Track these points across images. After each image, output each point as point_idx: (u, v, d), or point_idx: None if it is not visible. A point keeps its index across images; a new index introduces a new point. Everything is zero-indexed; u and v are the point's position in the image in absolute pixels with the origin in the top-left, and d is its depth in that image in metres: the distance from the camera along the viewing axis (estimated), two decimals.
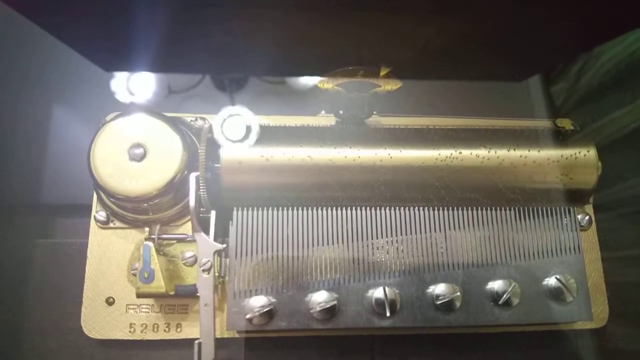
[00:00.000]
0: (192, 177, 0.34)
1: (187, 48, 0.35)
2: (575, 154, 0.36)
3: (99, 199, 0.37)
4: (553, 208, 0.37)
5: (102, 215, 0.36)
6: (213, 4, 0.25)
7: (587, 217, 0.39)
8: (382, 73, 0.37)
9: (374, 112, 0.39)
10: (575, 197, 0.37)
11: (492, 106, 0.46)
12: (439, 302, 0.34)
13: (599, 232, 0.39)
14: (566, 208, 0.37)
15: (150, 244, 0.34)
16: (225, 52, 0.36)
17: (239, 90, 0.46)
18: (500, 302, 0.34)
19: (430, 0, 0.25)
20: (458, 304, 0.34)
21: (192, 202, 0.33)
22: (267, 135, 0.35)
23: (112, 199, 0.35)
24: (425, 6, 0.26)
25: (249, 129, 0.34)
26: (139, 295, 0.33)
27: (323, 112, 0.41)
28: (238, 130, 0.34)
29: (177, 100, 0.44)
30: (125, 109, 0.37)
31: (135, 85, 0.44)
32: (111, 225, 0.36)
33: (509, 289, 0.34)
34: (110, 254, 0.36)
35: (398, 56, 0.36)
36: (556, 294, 0.35)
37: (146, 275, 0.33)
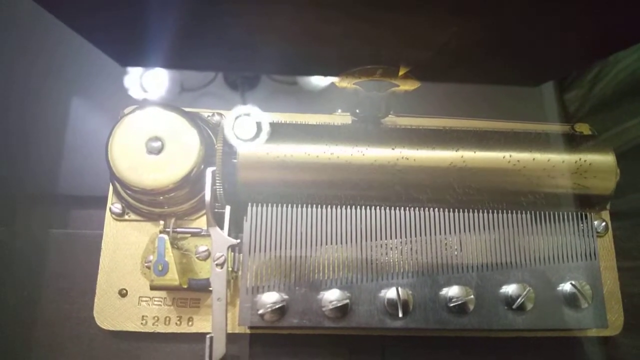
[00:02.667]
0: (209, 172, 0.34)
1: (203, 45, 0.35)
2: (593, 159, 0.36)
3: (115, 191, 0.37)
4: (569, 213, 0.37)
5: (117, 207, 0.36)
6: (227, 2, 0.26)
7: (603, 224, 0.39)
8: (400, 73, 0.37)
9: (391, 112, 0.39)
10: (592, 202, 0.37)
11: (507, 110, 0.46)
12: (452, 305, 0.34)
13: (616, 241, 0.39)
14: (583, 214, 0.37)
15: (165, 236, 0.34)
16: (241, 50, 0.36)
17: (252, 89, 0.46)
18: (514, 307, 0.34)
19: (450, 2, 0.25)
20: (471, 306, 0.34)
21: (207, 197, 0.34)
22: (284, 132, 0.35)
23: (128, 191, 0.35)
24: (445, 8, 0.26)
25: (259, 128, 0.34)
26: (152, 288, 0.33)
27: (339, 110, 0.41)
28: (249, 129, 0.34)
29: (190, 98, 0.45)
30: (142, 103, 0.37)
31: (148, 81, 0.44)
32: (126, 217, 0.37)
33: (524, 293, 0.34)
34: (125, 246, 0.36)
35: (416, 56, 0.36)
36: (571, 300, 0.34)
37: (160, 268, 0.33)
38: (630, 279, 0.38)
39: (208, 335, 0.32)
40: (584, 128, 0.41)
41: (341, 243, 0.35)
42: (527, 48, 0.33)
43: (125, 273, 0.36)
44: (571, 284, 0.35)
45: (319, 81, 0.47)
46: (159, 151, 0.34)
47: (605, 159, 0.36)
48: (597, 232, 0.38)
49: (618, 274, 0.38)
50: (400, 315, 0.33)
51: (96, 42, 0.31)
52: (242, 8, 0.27)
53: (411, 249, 0.35)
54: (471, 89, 0.47)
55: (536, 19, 0.26)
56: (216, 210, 0.35)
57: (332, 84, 0.39)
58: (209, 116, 0.39)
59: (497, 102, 0.46)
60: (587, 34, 0.29)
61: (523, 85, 0.47)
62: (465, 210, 0.36)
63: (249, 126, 0.34)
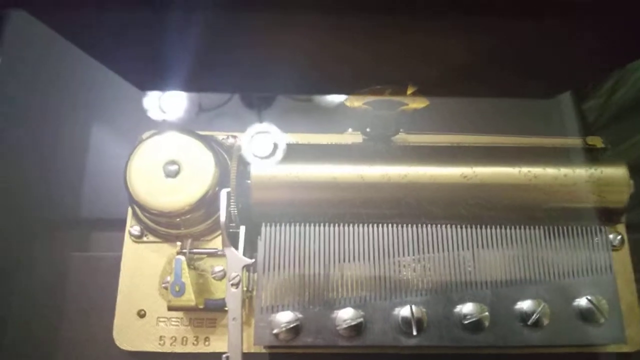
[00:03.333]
0: (223, 193, 0.35)
1: (219, 67, 0.36)
2: (606, 172, 0.36)
3: (134, 213, 0.38)
4: (584, 227, 0.36)
5: (136, 229, 0.37)
6: (242, 24, 0.26)
7: (619, 237, 0.39)
8: (409, 91, 0.38)
9: (401, 130, 0.40)
10: (606, 216, 0.36)
11: (522, 124, 0.46)
12: (466, 322, 0.34)
13: (633, 254, 0.38)
14: (597, 227, 0.36)
15: (182, 258, 0.35)
16: (255, 71, 0.37)
17: (268, 108, 0.47)
18: (530, 323, 0.34)
19: (457, 17, 0.26)
20: (486, 323, 0.34)
21: (222, 218, 0.34)
22: (296, 153, 0.36)
23: (146, 214, 0.37)
24: (453, 24, 0.27)
25: (276, 146, 0.35)
26: (170, 308, 0.34)
27: (350, 129, 0.42)
28: (266, 147, 0.35)
29: (207, 118, 0.46)
30: (160, 128, 0.38)
31: (167, 103, 0.45)
32: (144, 239, 0.38)
33: (539, 309, 0.34)
34: (143, 267, 0.37)
35: (425, 74, 0.36)
36: (587, 315, 0.34)
37: (177, 289, 0.34)
38: None
39: (224, 355, 0.33)
40: (596, 141, 0.41)
41: (354, 261, 0.35)
42: (538, 60, 0.33)
43: (143, 294, 0.37)
44: (587, 298, 0.34)
45: (333, 98, 0.47)
46: (175, 174, 0.35)
47: (617, 172, 0.36)
48: (613, 246, 0.38)
49: (636, 287, 0.38)
50: (415, 333, 0.33)
51: (115, 68, 0.33)
52: (257, 31, 0.28)
53: (424, 266, 0.35)
54: (482, 104, 0.47)
55: (546, 28, 0.26)
56: (231, 230, 0.36)
57: (342, 102, 0.40)
58: (223, 139, 0.40)
59: (510, 116, 0.46)
60: (599, 46, 0.29)
61: (536, 99, 0.47)
62: (478, 226, 0.36)
63: (265, 144, 0.35)
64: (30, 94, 0.44)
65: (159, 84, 0.40)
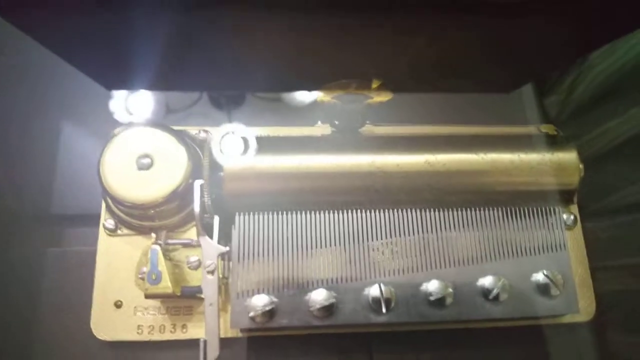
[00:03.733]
0: (197, 184, 0.36)
1: (187, 66, 0.37)
2: (558, 156, 0.38)
3: (107, 207, 0.38)
4: (540, 208, 0.39)
5: (110, 223, 0.38)
6: (209, 23, 0.27)
7: (572, 217, 0.41)
8: (374, 85, 0.39)
9: (367, 122, 0.41)
10: (560, 197, 0.39)
11: (483, 119, 0.48)
12: (432, 299, 0.35)
13: (592, 242, 0.41)
14: (552, 208, 0.39)
15: (158, 247, 0.35)
16: (223, 70, 0.38)
17: (237, 108, 0.48)
18: (490, 297, 0.36)
19: (422, 14, 0.27)
20: (450, 300, 0.36)
21: (196, 208, 0.35)
22: (267, 145, 0.37)
23: (120, 207, 0.37)
24: (417, 18, 0.28)
25: (247, 146, 0.36)
26: (147, 296, 0.35)
27: (319, 122, 0.44)
28: (236, 146, 0.36)
29: (176, 118, 0.46)
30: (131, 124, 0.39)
31: (133, 105, 0.45)
32: (119, 232, 0.38)
33: (499, 285, 0.36)
34: (118, 260, 0.38)
35: (388, 68, 0.38)
36: (544, 289, 0.37)
37: (154, 277, 0.35)
38: (608, 279, 0.40)
39: (202, 339, 0.34)
40: (549, 128, 0.44)
41: (326, 246, 0.37)
42: (499, 53, 0.34)
43: (120, 285, 0.37)
44: (544, 273, 0.37)
45: (304, 98, 0.49)
46: (148, 167, 0.36)
47: (569, 156, 0.38)
48: (567, 225, 0.41)
49: (598, 273, 0.40)
50: (384, 311, 0.35)
51: (81, 67, 0.33)
52: (224, 30, 0.29)
53: (392, 249, 0.37)
54: (445, 98, 0.49)
55: (507, 25, 0.28)
56: (205, 220, 0.37)
57: (311, 97, 0.41)
58: (195, 133, 0.41)
59: (473, 109, 0.48)
60: (558, 37, 0.30)
61: (496, 92, 0.50)
62: (442, 209, 0.38)
63: (235, 144, 0.36)
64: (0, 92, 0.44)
65: (126, 83, 0.40)
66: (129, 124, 0.38)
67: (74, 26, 0.27)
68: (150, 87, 0.45)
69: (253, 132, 0.37)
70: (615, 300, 0.40)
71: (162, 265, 0.35)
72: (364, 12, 0.25)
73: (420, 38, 0.30)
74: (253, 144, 0.36)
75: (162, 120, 0.46)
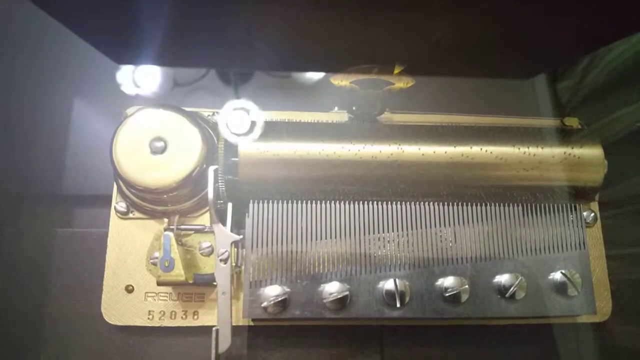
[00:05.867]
0: (211, 170, 0.35)
1: (199, 42, 0.36)
2: (582, 152, 0.37)
3: (119, 190, 0.38)
4: (559, 205, 0.38)
5: (122, 206, 0.37)
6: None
7: (592, 214, 0.40)
8: (395, 71, 0.38)
9: (386, 109, 0.40)
10: (581, 194, 0.38)
11: (499, 103, 0.47)
12: (447, 295, 0.35)
13: (604, 229, 0.40)
14: (572, 205, 0.38)
15: (171, 234, 0.35)
16: (237, 47, 0.37)
17: (244, 84, 0.47)
18: (507, 295, 0.35)
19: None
20: (466, 296, 0.35)
21: (210, 195, 0.35)
22: (283, 131, 0.36)
23: (132, 190, 0.36)
24: (437, 5, 0.27)
25: (253, 123, 0.35)
26: (159, 284, 0.34)
27: (336, 108, 0.42)
28: (243, 124, 0.35)
29: (182, 93, 0.45)
30: (144, 103, 0.38)
31: (140, 77, 0.44)
32: (130, 215, 0.38)
33: (516, 283, 0.35)
34: (130, 243, 0.37)
35: (411, 53, 0.37)
36: (561, 288, 0.36)
37: (167, 264, 0.34)
38: (617, 266, 0.40)
39: (214, 328, 0.33)
40: (573, 122, 0.42)
41: (340, 237, 0.36)
42: (519, 41, 0.33)
43: (131, 270, 0.37)
44: (561, 272, 0.36)
45: (312, 75, 0.47)
46: (162, 151, 0.35)
47: (593, 152, 0.37)
48: (586, 223, 0.40)
49: (607, 262, 0.40)
50: (398, 305, 0.34)
51: (91, 40, 0.32)
52: (238, 7, 0.28)
53: (408, 241, 0.36)
54: (464, 85, 0.48)
55: (528, 13, 0.27)
56: (218, 207, 0.36)
57: (328, 80, 0.40)
58: (209, 115, 0.40)
59: (489, 96, 0.47)
60: (578, 28, 0.30)
61: (515, 79, 0.48)
62: (459, 203, 0.37)
63: (243, 121, 0.35)
64: (11, 68, 0.43)
65: (135, 58, 0.39)
66: (142, 106, 0.37)
67: None
68: (159, 62, 0.44)
69: (260, 110, 0.35)
70: (621, 290, 0.39)
71: (175, 252, 0.34)
72: None
73: (438, 21, 0.29)
74: (260, 122, 0.35)
75: (168, 94, 0.45)
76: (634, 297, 0.39)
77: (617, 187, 0.41)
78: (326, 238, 0.36)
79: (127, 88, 0.44)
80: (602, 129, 0.43)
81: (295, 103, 0.45)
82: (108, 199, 0.38)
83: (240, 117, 0.35)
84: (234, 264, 0.35)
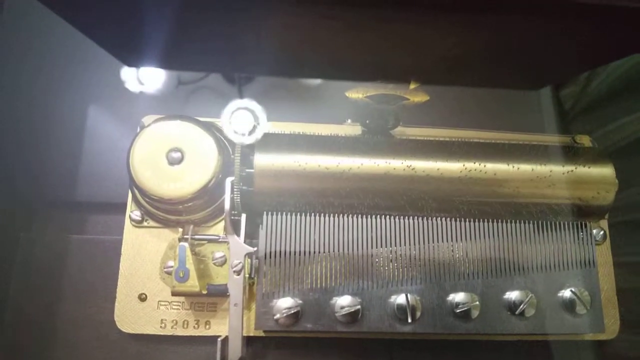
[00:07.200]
0: (228, 181, 0.35)
1: (208, 48, 0.36)
2: (593, 171, 0.37)
3: (134, 198, 0.38)
4: (570, 222, 0.38)
5: (136, 214, 0.38)
6: (228, 4, 0.26)
7: (602, 232, 0.41)
8: (411, 87, 0.38)
9: (400, 123, 0.41)
10: (591, 212, 0.38)
11: (508, 112, 0.47)
12: (458, 310, 0.35)
13: (610, 237, 0.41)
14: (582, 223, 0.38)
15: (186, 244, 0.35)
16: (247, 54, 0.37)
17: (248, 84, 0.47)
18: (517, 312, 0.36)
19: (450, 12, 0.26)
20: (476, 312, 0.35)
21: (227, 206, 0.35)
22: (298, 143, 0.36)
23: (147, 199, 0.37)
24: (446, 18, 0.27)
25: (257, 122, 0.35)
26: (174, 294, 0.35)
27: (349, 120, 0.43)
28: (246, 124, 0.35)
29: (186, 92, 0.45)
30: (158, 110, 0.38)
31: (145, 75, 0.45)
32: (145, 224, 0.38)
33: (526, 300, 0.36)
34: (144, 252, 0.38)
35: (424, 67, 0.37)
36: (570, 306, 0.36)
37: (181, 275, 0.34)
38: (623, 274, 0.40)
39: (219, 339, 0.34)
40: (584, 139, 0.43)
41: (353, 250, 0.36)
42: (529, 54, 0.34)
43: (144, 278, 0.37)
44: (571, 290, 0.36)
45: (324, 85, 0.48)
46: (179, 162, 0.35)
47: (604, 171, 0.38)
48: (596, 241, 0.40)
49: (613, 270, 0.40)
50: (410, 320, 0.35)
51: (101, 43, 0.32)
52: (248, 15, 0.28)
53: (419, 256, 0.37)
54: (476, 101, 0.48)
55: (537, 25, 0.27)
56: (232, 218, 0.36)
57: (342, 93, 0.40)
58: None
59: (496, 108, 0.48)
60: (587, 42, 0.30)
61: (524, 89, 0.49)
62: (471, 219, 0.37)
63: (246, 120, 0.35)
64: (26, 72, 0.43)
65: (145, 61, 0.39)
66: (157, 115, 0.37)
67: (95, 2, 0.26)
68: (171, 67, 0.44)
69: (263, 111, 0.35)
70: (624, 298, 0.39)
71: (190, 263, 0.35)
72: (385, 7, 0.24)
73: (446, 34, 0.29)
74: (264, 123, 0.35)
75: (172, 92, 0.45)
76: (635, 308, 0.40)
77: (620, 194, 0.41)
78: (338, 251, 0.36)
79: (131, 85, 0.44)
80: (605, 136, 0.43)
81: (291, 101, 0.45)
82: (122, 207, 0.38)
83: (244, 116, 0.35)
84: (247, 276, 0.35)
